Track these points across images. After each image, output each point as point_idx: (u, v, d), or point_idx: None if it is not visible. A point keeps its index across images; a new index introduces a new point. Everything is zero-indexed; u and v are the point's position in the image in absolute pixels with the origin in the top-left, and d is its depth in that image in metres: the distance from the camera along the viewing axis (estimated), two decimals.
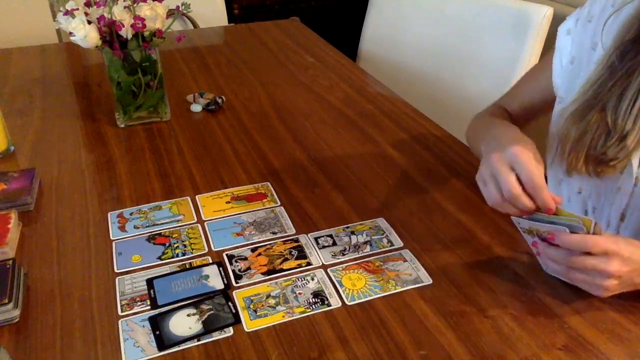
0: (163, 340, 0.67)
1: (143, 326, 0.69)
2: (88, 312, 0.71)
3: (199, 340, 0.67)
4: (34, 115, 1.22)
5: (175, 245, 0.82)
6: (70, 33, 1.05)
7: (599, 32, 0.78)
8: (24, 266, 0.77)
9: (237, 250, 0.82)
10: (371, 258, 0.80)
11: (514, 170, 0.69)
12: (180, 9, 1.11)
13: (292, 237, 0.84)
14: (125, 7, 1.06)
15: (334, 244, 0.83)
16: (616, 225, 0.80)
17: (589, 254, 0.65)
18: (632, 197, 0.76)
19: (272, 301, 0.73)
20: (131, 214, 0.89)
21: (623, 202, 0.78)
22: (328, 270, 0.78)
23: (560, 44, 0.87)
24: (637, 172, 0.74)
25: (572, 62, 0.85)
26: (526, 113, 0.96)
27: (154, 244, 0.83)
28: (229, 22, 2.08)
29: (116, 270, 0.78)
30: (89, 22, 1.05)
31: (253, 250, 0.82)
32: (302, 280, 0.76)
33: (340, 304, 0.72)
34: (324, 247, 0.82)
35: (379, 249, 0.82)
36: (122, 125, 1.17)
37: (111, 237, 0.84)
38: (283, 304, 0.72)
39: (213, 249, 0.82)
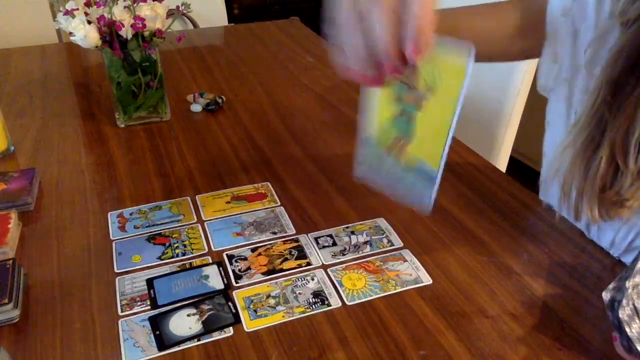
0: (163, 340, 0.67)
1: (143, 326, 0.69)
2: (88, 312, 0.71)
3: (199, 340, 0.67)
4: (34, 115, 1.22)
5: (175, 245, 0.82)
6: (70, 33, 1.05)
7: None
8: (24, 266, 0.77)
9: (237, 250, 0.82)
10: (371, 258, 0.80)
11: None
12: (180, 9, 1.11)
13: (292, 237, 0.84)
14: (125, 7, 1.06)
15: (334, 244, 0.83)
16: (621, 247, 0.77)
17: None
18: None
19: (272, 301, 0.73)
20: (131, 214, 0.89)
21: (633, 231, 0.74)
22: (328, 270, 0.78)
23: (555, 27, 0.78)
24: None
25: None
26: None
27: (154, 244, 0.83)
28: (229, 22, 2.08)
29: (116, 270, 0.78)
30: (89, 22, 1.05)
31: (253, 250, 0.82)
32: (302, 280, 0.76)
33: (340, 304, 0.72)
34: (324, 247, 0.82)
35: (379, 249, 0.82)
36: (122, 125, 1.17)
37: (111, 237, 0.84)
38: (283, 304, 0.72)
39: (213, 249, 0.82)
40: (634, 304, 0.60)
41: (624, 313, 0.59)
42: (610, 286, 0.62)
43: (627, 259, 0.78)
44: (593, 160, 0.65)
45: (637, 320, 0.59)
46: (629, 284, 0.60)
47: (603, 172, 0.64)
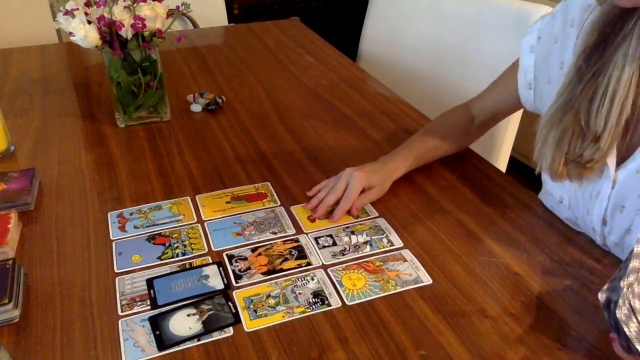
0: (163, 340, 0.67)
1: (143, 326, 0.69)
2: (88, 312, 0.71)
3: (199, 340, 0.67)
4: (34, 115, 1.22)
5: (175, 245, 0.82)
6: (70, 33, 1.05)
7: (565, 51, 0.82)
8: (24, 266, 0.77)
9: (237, 250, 0.82)
10: (371, 258, 0.80)
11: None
12: (180, 9, 1.11)
13: (292, 237, 0.84)
14: (125, 7, 1.06)
15: (334, 244, 0.83)
16: (600, 230, 0.80)
17: None
18: (610, 200, 0.77)
19: (272, 301, 0.73)
20: (131, 214, 0.89)
21: (602, 206, 0.78)
22: (328, 270, 0.78)
23: (524, 61, 0.91)
24: (615, 175, 0.75)
25: (536, 80, 0.89)
26: (492, 118, 1.04)
27: (154, 244, 0.83)
28: (229, 22, 2.08)
29: (116, 270, 0.78)
30: (89, 22, 1.05)
31: (253, 250, 0.82)
32: (302, 280, 0.76)
33: (340, 304, 0.72)
34: (324, 247, 0.82)
35: (379, 249, 0.82)
36: (122, 125, 1.17)
37: (111, 237, 0.84)
38: (283, 304, 0.72)
39: (213, 249, 0.82)
40: (630, 304, 0.60)
41: (621, 313, 0.59)
42: (605, 287, 0.62)
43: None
44: (562, 124, 0.75)
45: (634, 320, 0.59)
46: (623, 283, 0.60)
47: (570, 135, 0.74)
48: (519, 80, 0.92)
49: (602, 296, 0.61)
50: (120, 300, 0.73)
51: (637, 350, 0.58)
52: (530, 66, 0.90)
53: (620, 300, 0.59)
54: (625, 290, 0.60)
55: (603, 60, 0.71)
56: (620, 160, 0.75)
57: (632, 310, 0.59)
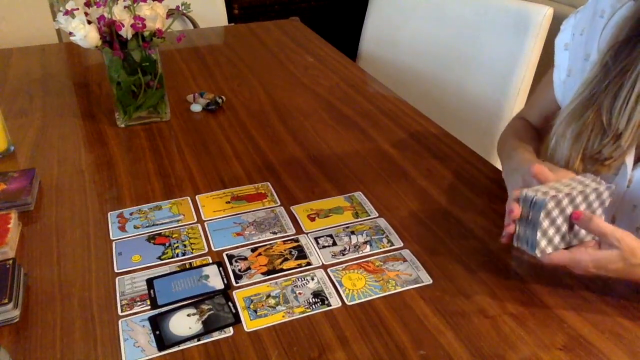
0: (163, 340, 0.67)
1: (143, 326, 0.69)
2: (88, 312, 0.71)
3: (199, 340, 0.67)
4: (34, 115, 1.22)
5: (175, 245, 0.82)
6: (70, 33, 1.05)
7: (592, 42, 0.80)
8: (24, 266, 0.77)
9: (237, 250, 0.82)
10: (371, 258, 0.80)
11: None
12: (180, 9, 1.11)
13: (292, 237, 0.84)
14: (125, 7, 1.06)
15: (334, 244, 0.83)
16: None
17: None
18: (623, 199, 0.77)
19: (272, 301, 0.73)
20: (131, 214, 0.89)
21: (614, 204, 0.78)
22: (328, 270, 0.78)
23: (559, 60, 0.88)
24: (631, 174, 0.75)
25: (568, 75, 0.87)
26: (547, 121, 0.97)
27: (154, 244, 0.83)
28: (229, 22, 2.08)
29: (116, 270, 0.78)
30: (89, 22, 1.05)
31: (253, 250, 0.82)
32: (302, 280, 0.76)
33: (340, 304, 0.72)
34: (324, 247, 0.82)
35: (379, 249, 0.82)
36: (122, 125, 1.17)
37: (111, 237, 0.84)
38: (283, 304, 0.72)
39: (213, 249, 0.82)
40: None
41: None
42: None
43: None
44: (583, 120, 0.74)
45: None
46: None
47: (589, 131, 0.73)
48: (554, 79, 0.89)
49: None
50: (120, 300, 0.73)
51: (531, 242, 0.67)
52: (565, 63, 0.87)
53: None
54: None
55: (632, 57, 0.69)
56: (637, 159, 0.74)
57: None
